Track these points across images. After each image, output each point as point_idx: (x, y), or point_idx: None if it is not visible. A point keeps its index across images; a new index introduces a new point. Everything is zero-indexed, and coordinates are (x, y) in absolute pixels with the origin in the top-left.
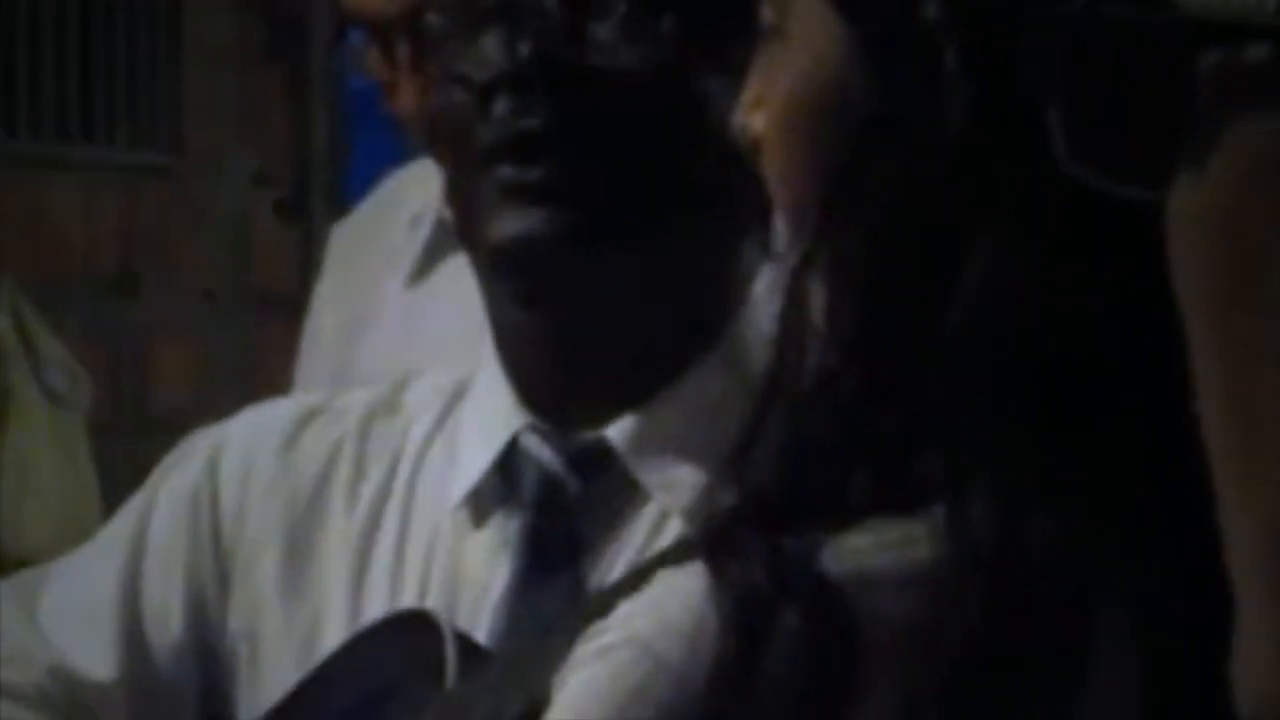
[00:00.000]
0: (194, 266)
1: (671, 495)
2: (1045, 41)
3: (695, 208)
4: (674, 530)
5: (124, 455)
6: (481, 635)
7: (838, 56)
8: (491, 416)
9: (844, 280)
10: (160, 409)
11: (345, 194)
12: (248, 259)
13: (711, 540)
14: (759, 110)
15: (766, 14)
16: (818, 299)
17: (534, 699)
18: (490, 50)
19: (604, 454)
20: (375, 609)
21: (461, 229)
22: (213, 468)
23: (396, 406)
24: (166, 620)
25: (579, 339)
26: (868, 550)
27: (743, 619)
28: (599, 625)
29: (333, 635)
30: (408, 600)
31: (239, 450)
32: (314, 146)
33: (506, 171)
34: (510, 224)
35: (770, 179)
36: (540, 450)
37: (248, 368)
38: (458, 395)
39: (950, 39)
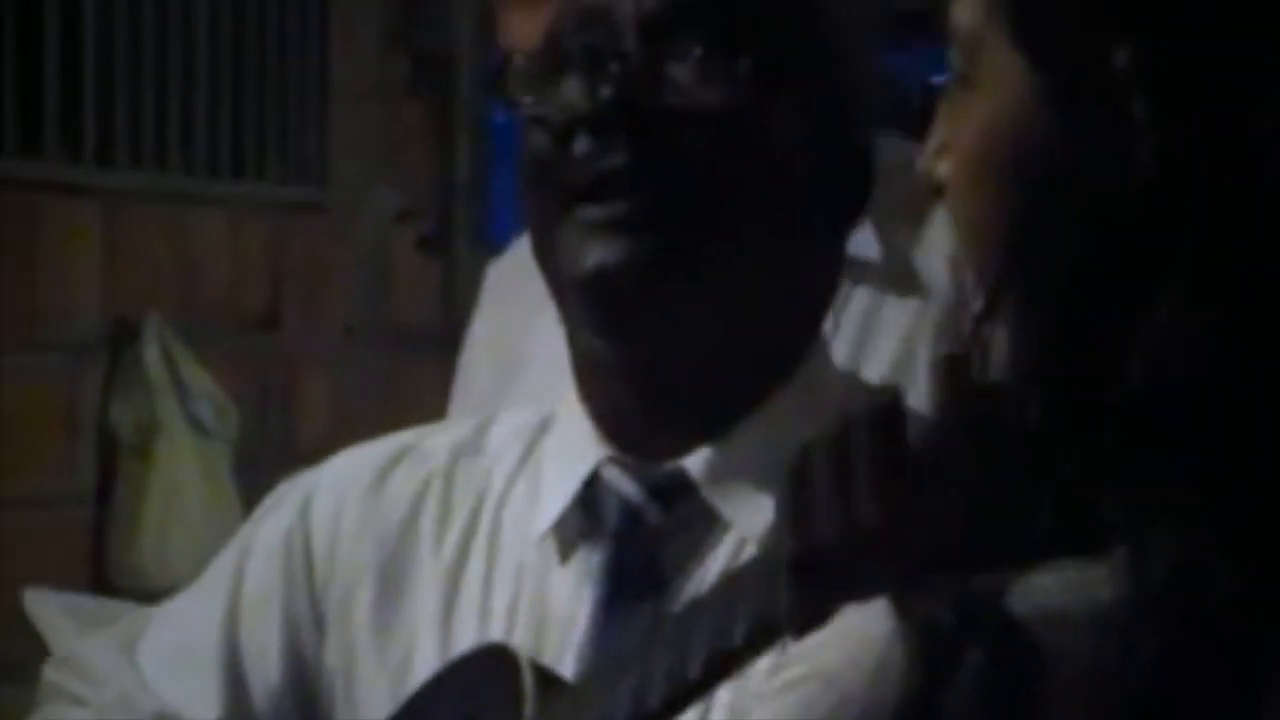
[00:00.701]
0: (337, 300)
1: (750, 524)
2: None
3: (771, 239)
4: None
5: (269, 487)
6: (568, 666)
7: (1026, 105)
8: (572, 450)
9: (1029, 323)
10: (303, 441)
11: (488, 230)
12: (390, 294)
13: (898, 579)
14: (944, 157)
15: (956, 61)
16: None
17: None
18: (571, 93)
19: (683, 484)
20: (464, 642)
21: (544, 266)
22: (305, 511)
23: (481, 446)
24: (265, 664)
25: (658, 369)
26: (1051, 590)
27: (928, 656)
28: (780, 659)
29: (424, 670)
30: (495, 633)
31: (330, 493)
32: (457, 182)
33: (588, 211)
34: (591, 257)
35: (955, 225)
36: (621, 481)
37: (388, 402)
38: (540, 432)
39: (1140, 87)
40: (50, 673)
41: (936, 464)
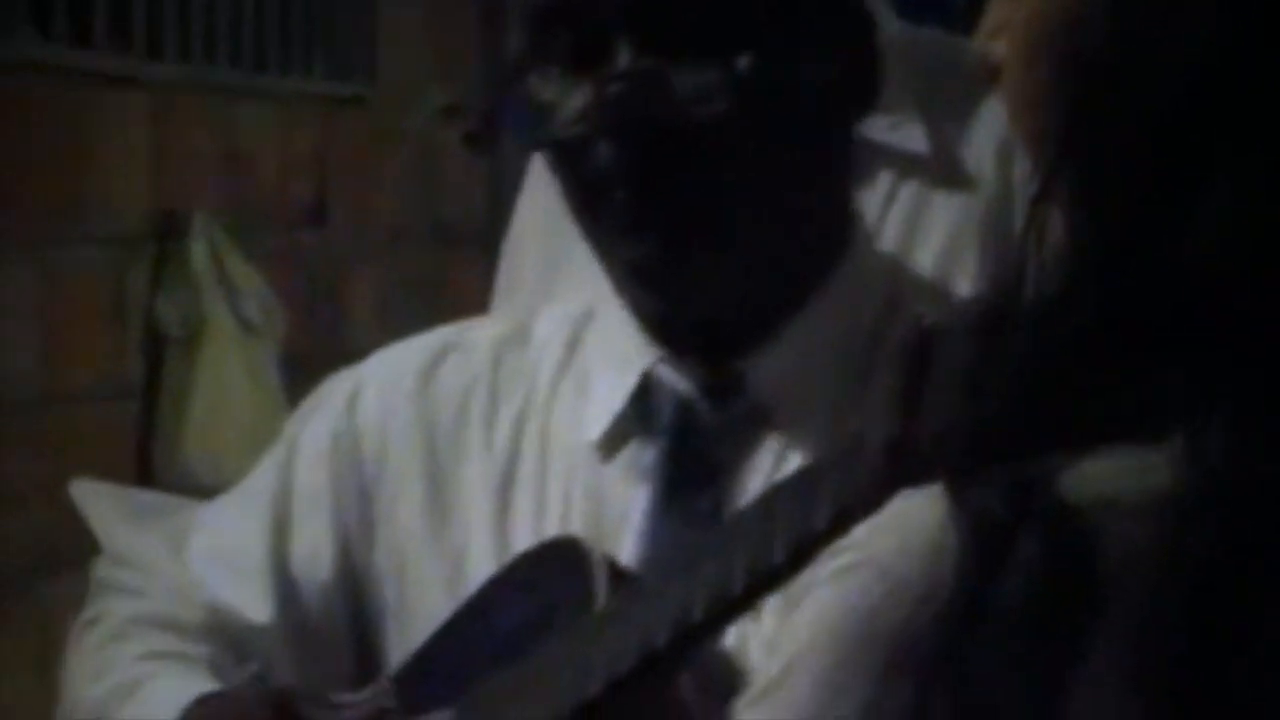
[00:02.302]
0: (384, 197)
1: (796, 421)
2: None
3: (789, 176)
4: (799, 451)
5: (315, 385)
6: (626, 559)
7: None
8: (622, 349)
9: (1083, 206)
10: (350, 338)
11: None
12: (436, 190)
13: (952, 465)
14: (1000, 37)
15: None
16: (1056, 222)
17: (684, 614)
18: (579, 102)
19: (736, 382)
20: (520, 542)
21: (583, 229)
22: (351, 409)
23: (526, 338)
24: (316, 565)
25: (701, 303)
26: (1106, 476)
27: (982, 543)
28: (833, 547)
29: (478, 568)
30: (551, 530)
31: (376, 391)
32: (503, 80)
33: (610, 204)
34: (623, 252)
35: (1010, 107)
36: (674, 379)
37: (434, 299)
38: (584, 324)
39: None
40: (102, 569)
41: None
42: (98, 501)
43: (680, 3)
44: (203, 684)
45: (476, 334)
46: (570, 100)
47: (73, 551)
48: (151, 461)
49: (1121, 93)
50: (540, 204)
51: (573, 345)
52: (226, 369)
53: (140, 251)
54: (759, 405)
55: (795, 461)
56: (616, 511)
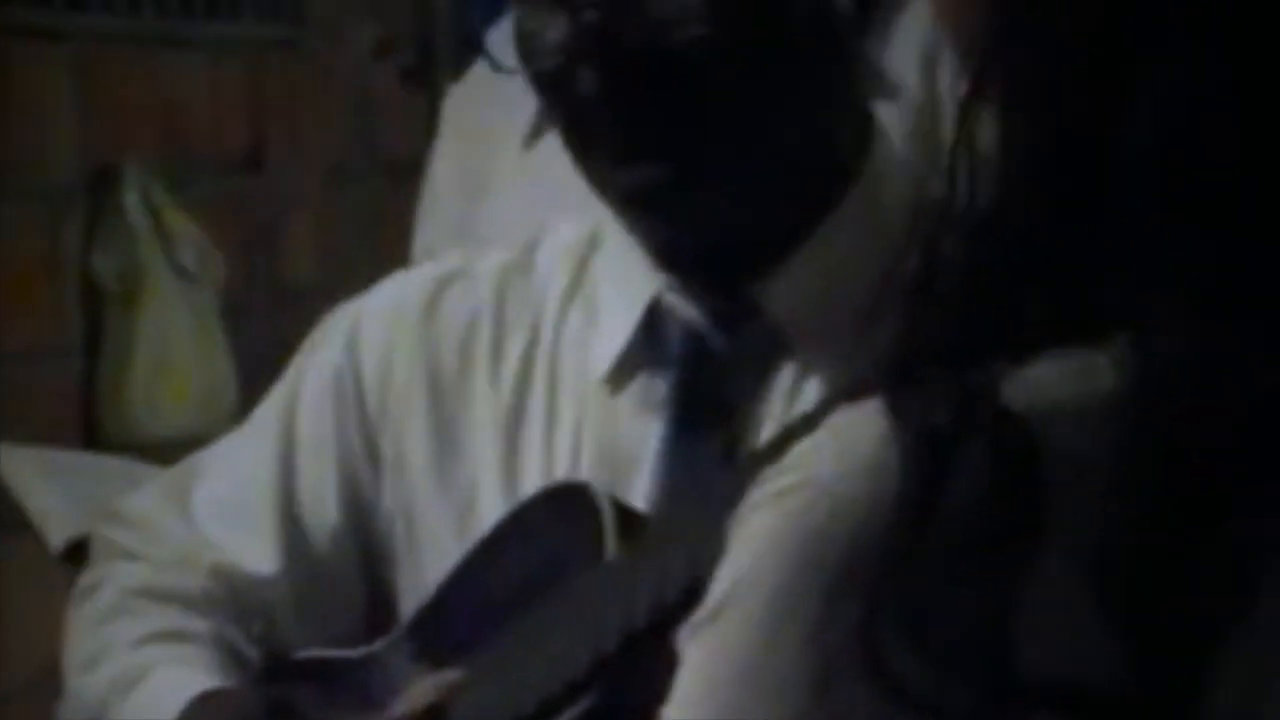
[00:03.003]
0: (321, 139)
1: (815, 344)
2: None
3: (784, 99)
4: (817, 381)
5: (258, 330)
6: (638, 496)
7: None
8: (629, 276)
9: (1016, 105)
10: (292, 282)
11: (468, 60)
12: (374, 128)
13: (890, 377)
14: None
15: None
16: (988, 126)
17: (699, 563)
18: (557, 32)
19: (747, 309)
20: (530, 478)
21: (575, 159)
22: (352, 345)
23: (530, 266)
24: (322, 505)
25: (704, 234)
26: (1050, 382)
27: (924, 455)
28: (775, 467)
29: (488, 507)
30: (561, 467)
31: (377, 325)
32: (436, 13)
33: (598, 133)
34: (619, 181)
35: (937, 7)
36: (683, 308)
37: (377, 239)
38: (590, 248)
39: None
40: (102, 528)
41: (922, 257)
42: (22, 464)
43: None
44: (204, 677)
45: (482, 263)
46: (549, 30)
47: (18, 514)
48: (97, 417)
49: None
50: (457, 142)
51: (579, 272)
52: (167, 320)
53: (73, 206)
54: (772, 333)
55: (812, 390)
56: (628, 447)
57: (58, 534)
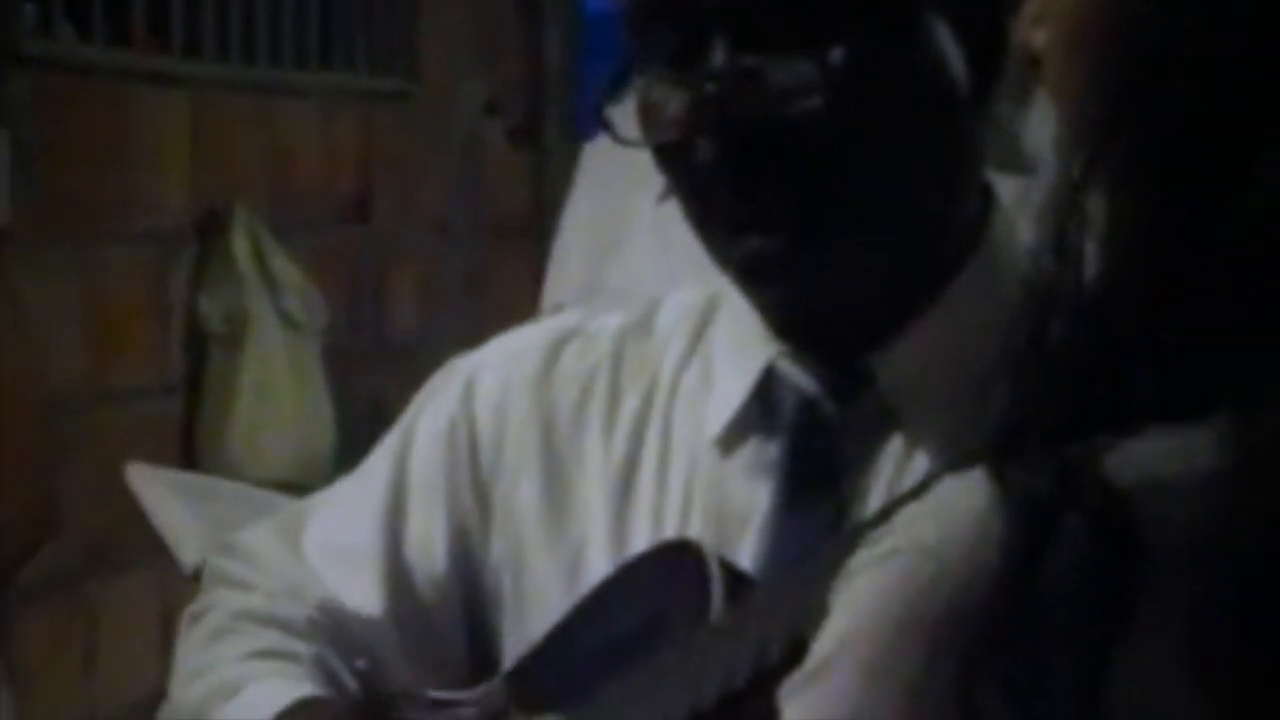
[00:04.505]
0: (427, 192)
1: (922, 422)
2: None
3: (906, 171)
4: (927, 451)
5: (358, 379)
6: (745, 560)
7: None
8: (745, 342)
9: (1127, 191)
10: (393, 333)
11: (578, 121)
12: (480, 185)
13: (995, 449)
14: (1041, 26)
15: None
16: (1098, 209)
17: (801, 627)
18: (678, 103)
19: (861, 378)
20: (639, 536)
21: (694, 228)
22: (468, 398)
23: (649, 327)
24: (430, 554)
25: (821, 308)
26: (1153, 457)
27: (1026, 525)
28: (879, 532)
29: (596, 563)
30: (671, 527)
31: (494, 379)
32: (547, 72)
33: (715, 204)
34: (737, 253)
35: (1053, 95)
36: (798, 376)
37: (478, 294)
38: (709, 312)
39: None
40: (215, 559)
41: (1030, 333)
42: (152, 483)
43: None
44: (304, 688)
45: (600, 323)
46: (671, 102)
47: (120, 552)
48: (196, 459)
49: (1168, 79)
50: (592, 196)
51: (697, 336)
52: (269, 365)
53: (182, 249)
54: (883, 405)
55: (921, 461)
56: (737, 510)
57: (191, 552)
